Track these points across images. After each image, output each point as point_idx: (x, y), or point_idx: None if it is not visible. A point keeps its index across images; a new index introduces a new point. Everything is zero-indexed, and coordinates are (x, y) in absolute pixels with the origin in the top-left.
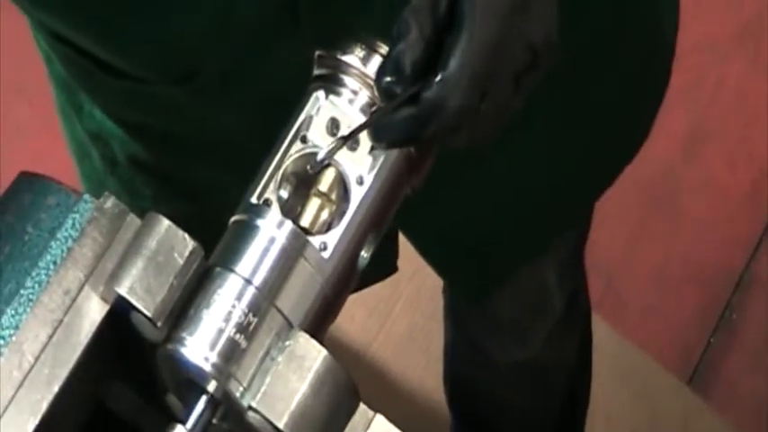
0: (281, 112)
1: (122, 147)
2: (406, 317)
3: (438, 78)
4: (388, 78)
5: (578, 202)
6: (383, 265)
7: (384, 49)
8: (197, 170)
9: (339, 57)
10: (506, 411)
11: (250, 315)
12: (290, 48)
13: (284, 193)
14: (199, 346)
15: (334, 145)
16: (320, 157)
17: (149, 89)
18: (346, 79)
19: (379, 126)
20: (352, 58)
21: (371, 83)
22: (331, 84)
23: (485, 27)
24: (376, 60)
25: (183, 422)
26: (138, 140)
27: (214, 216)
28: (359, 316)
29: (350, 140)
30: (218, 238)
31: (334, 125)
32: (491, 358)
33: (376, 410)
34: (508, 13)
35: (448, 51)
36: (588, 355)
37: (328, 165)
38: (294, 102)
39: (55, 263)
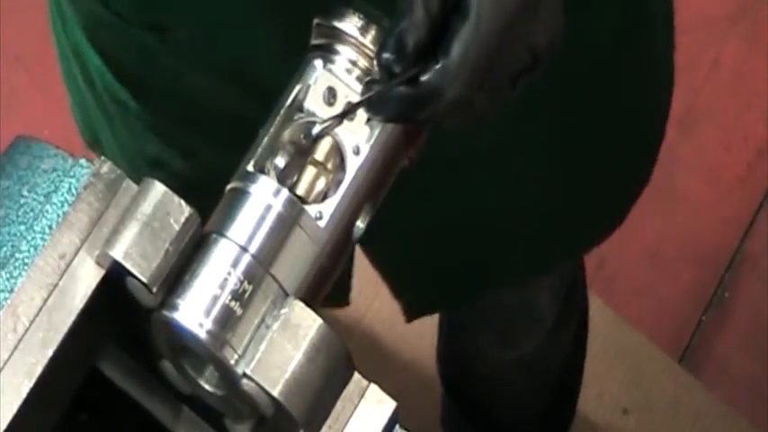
0: (251, 87)
1: (99, 75)
2: None
3: (438, 66)
4: (389, 55)
5: (569, 243)
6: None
7: (383, 19)
8: (169, 121)
9: (337, 26)
10: (498, 393)
11: (245, 282)
12: (265, 33)
13: (281, 162)
14: (194, 313)
15: (329, 122)
16: (315, 131)
17: (125, 27)
18: (344, 48)
19: (376, 101)
20: (351, 27)
21: (369, 53)
22: (328, 53)
23: (490, 23)
24: (374, 30)
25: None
26: (115, 75)
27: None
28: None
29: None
30: (193, 186)
31: (331, 94)
32: (481, 352)
33: (370, 380)
34: (515, 13)
35: (451, 39)
36: (583, 342)
37: (326, 134)
38: (268, 79)
39: (50, 227)
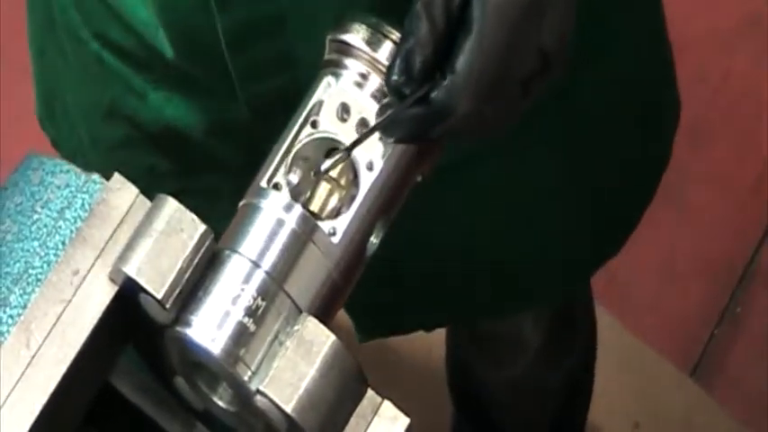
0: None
1: (61, 9)
2: None
3: (446, 82)
4: (398, 78)
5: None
6: None
7: (394, 34)
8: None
9: (348, 40)
10: (501, 407)
11: (258, 299)
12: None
13: (294, 178)
14: (207, 329)
15: (339, 156)
16: (325, 167)
17: None
18: (355, 63)
19: (388, 123)
20: (361, 42)
21: (381, 68)
22: (341, 69)
23: (495, 32)
24: (386, 45)
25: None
26: (77, 10)
27: None
28: None
29: (361, 142)
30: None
31: (344, 110)
32: (474, 369)
33: (384, 396)
34: (520, 18)
35: (457, 53)
36: (590, 367)
37: (337, 149)
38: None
39: (64, 243)
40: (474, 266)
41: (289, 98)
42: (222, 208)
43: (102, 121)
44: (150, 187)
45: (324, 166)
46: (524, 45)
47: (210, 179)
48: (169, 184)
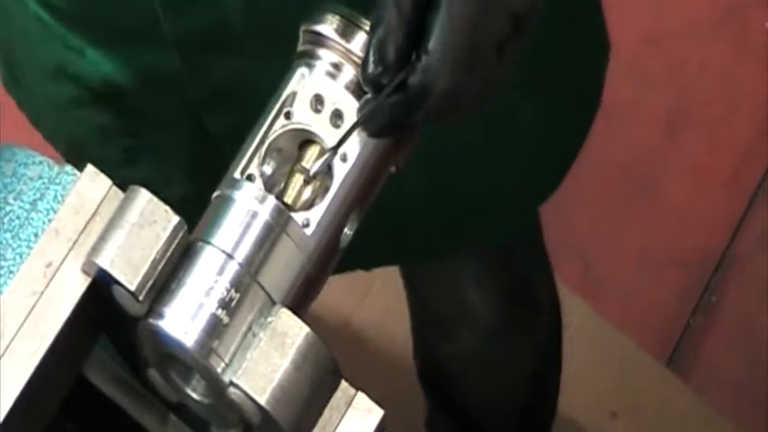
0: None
1: None
2: (385, 294)
3: (421, 63)
4: (373, 70)
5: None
6: None
7: (367, 25)
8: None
9: (322, 32)
10: (466, 388)
11: (232, 291)
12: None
13: (267, 169)
14: (180, 321)
15: (324, 159)
16: (314, 170)
17: None
18: (328, 54)
19: (368, 115)
20: (335, 33)
21: (355, 58)
22: (314, 59)
23: (463, 10)
24: (359, 36)
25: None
26: None
27: None
28: (337, 292)
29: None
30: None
31: (318, 101)
32: (430, 345)
33: (357, 388)
34: None
35: (429, 32)
36: (557, 347)
37: (312, 141)
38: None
39: (36, 235)
40: (412, 201)
41: (217, 44)
42: (172, 169)
43: (51, 81)
44: (101, 146)
45: (314, 169)
46: (494, 11)
47: (159, 137)
48: (119, 143)
